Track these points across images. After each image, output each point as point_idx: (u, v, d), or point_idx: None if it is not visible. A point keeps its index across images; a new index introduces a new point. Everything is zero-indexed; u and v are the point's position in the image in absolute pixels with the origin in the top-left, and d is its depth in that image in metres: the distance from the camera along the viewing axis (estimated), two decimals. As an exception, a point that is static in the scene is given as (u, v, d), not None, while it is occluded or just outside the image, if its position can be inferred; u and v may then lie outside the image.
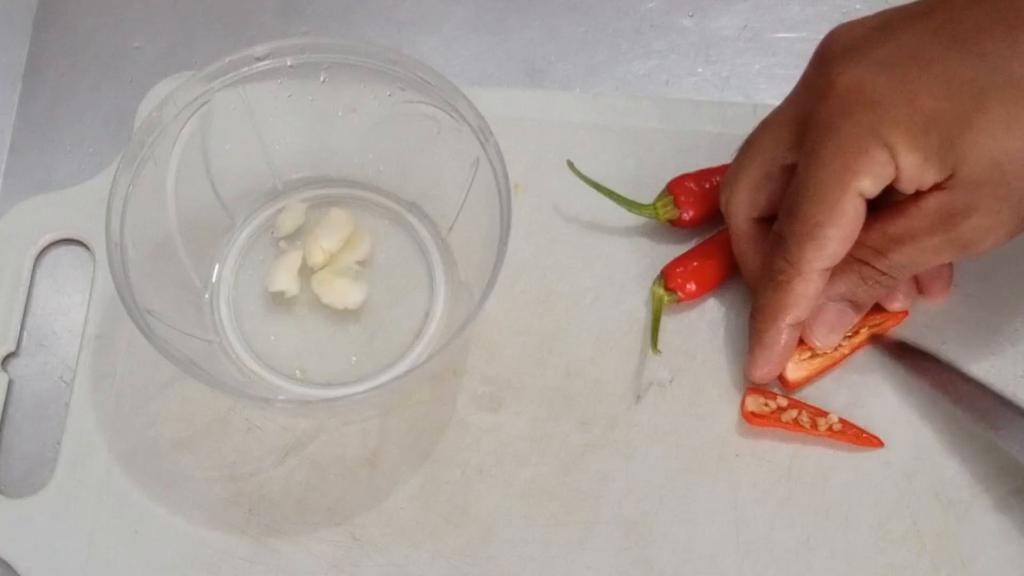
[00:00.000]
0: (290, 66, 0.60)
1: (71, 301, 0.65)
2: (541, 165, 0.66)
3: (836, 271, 0.56)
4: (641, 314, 0.63)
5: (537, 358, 0.62)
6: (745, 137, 0.60)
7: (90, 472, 0.60)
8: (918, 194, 0.53)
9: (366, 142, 0.63)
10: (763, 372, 0.59)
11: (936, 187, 0.52)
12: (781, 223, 0.56)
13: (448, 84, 0.58)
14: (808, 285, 0.55)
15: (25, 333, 0.65)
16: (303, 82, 0.61)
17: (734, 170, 0.59)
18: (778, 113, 0.58)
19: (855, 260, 0.56)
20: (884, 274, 0.56)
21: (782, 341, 0.58)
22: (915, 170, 0.51)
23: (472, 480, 0.60)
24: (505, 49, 0.71)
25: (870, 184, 0.52)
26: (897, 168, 0.52)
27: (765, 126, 0.58)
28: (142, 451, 0.61)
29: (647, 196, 0.64)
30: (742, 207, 0.59)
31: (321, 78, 0.60)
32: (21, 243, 0.65)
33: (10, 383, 0.63)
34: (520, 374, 0.62)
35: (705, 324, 0.63)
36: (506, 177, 0.57)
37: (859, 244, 0.55)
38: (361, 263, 0.63)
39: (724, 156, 0.64)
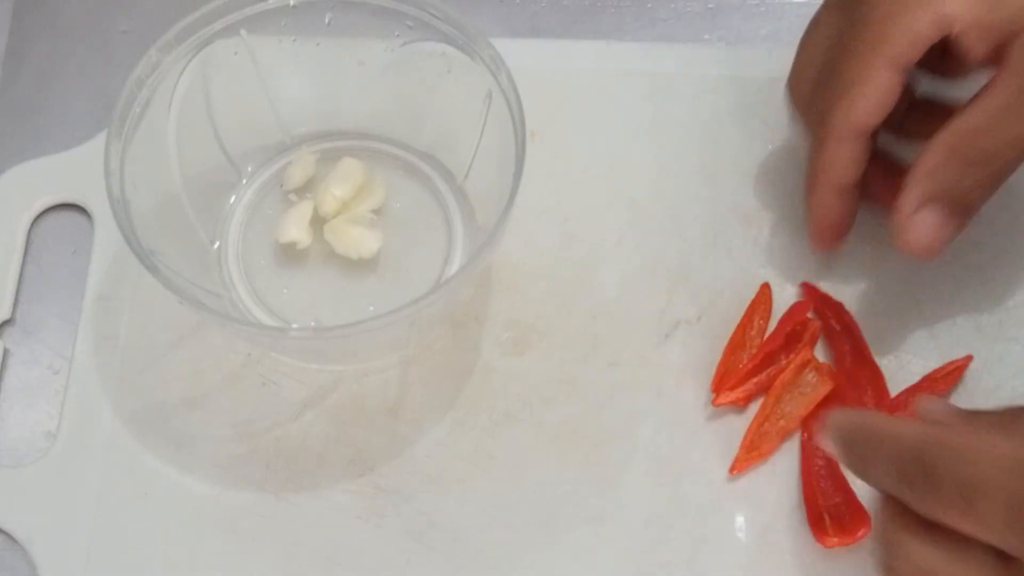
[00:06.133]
0: (293, 6, 0.58)
1: (69, 267, 0.62)
2: (556, 113, 0.64)
3: (933, 165, 0.52)
4: (664, 255, 0.61)
5: (561, 301, 0.60)
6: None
7: (94, 437, 0.57)
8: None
9: (375, 90, 0.61)
10: (817, 240, 0.58)
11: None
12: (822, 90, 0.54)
13: (456, 15, 0.57)
14: (840, 146, 0.53)
15: (21, 299, 0.62)
16: (307, 24, 0.59)
17: (797, 65, 0.57)
18: (824, 7, 0.56)
19: (951, 150, 0.52)
20: (978, 163, 0.51)
21: (826, 205, 0.56)
22: (970, 10, 0.50)
23: (500, 425, 0.57)
24: (508, 22, 0.69)
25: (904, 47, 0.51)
26: (950, 17, 0.50)
27: (816, 21, 0.57)
28: (150, 412, 0.58)
29: (664, 141, 0.63)
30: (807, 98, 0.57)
31: (326, 19, 0.59)
32: (16, 207, 0.63)
33: (5, 351, 0.60)
34: (544, 318, 0.59)
35: (732, 261, 0.61)
36: (519, 104, 0.55)
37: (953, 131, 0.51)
38: (375, 212, 0.61)
39: (743, 98, 0.63)
